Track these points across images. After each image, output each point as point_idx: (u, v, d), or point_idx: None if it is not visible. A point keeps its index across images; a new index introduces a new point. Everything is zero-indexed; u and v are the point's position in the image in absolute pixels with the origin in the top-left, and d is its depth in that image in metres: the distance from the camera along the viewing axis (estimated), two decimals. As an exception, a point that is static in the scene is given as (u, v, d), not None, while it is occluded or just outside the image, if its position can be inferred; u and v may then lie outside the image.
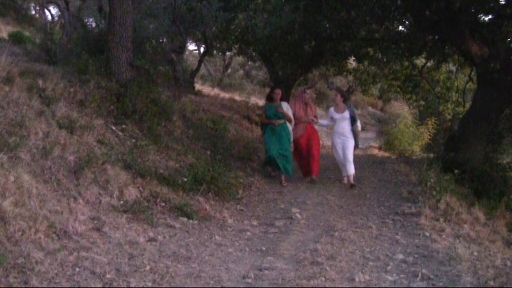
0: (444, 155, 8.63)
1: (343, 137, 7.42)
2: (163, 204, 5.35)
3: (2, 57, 5.71)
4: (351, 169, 7.31)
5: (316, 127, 7.86)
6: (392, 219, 5.59)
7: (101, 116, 6.28)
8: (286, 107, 7.58)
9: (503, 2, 8.40)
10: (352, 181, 7.27)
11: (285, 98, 14.64)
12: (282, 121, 7.49)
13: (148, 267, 3.60)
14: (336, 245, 4.49)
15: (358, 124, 7.59)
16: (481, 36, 8.65)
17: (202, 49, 17.81)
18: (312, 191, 7.15)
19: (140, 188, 5.43)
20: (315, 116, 7.88)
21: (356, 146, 7.56)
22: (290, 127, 7.66)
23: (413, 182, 7.58)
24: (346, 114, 7.40)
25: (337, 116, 7.45)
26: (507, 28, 8.80)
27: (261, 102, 16.39)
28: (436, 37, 9.66)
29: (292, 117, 7.64)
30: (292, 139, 7.64)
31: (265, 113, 7.68)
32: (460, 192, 6.56)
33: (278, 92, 7.71)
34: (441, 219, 5.36)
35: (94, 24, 10.50)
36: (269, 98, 7.77)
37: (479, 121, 8.37)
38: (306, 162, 7.63)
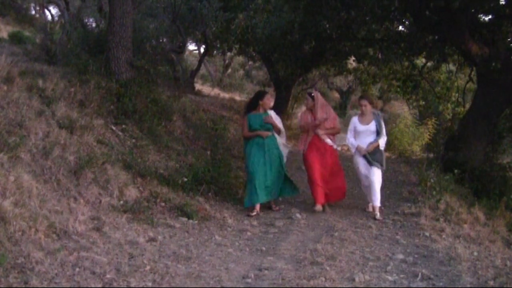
0: (444, 155, 8.63)
1: (368, 155, 5.85)
2: (163, 204, 5.36)
3: (2, 57, 5.70)
4: (376, 200, 5.84)
5: (329, 141, 6.11)
6: (392, 219, 5.60)
7: (101, 116, 6.28)
8: (274, 116, 6.22)
9: (503, 2, 8.40)
10: (377, 213, 5.79)
11: (285, 98, 14.71)
12: (270, 133, 6.07)
13: (148, 267, 3.60)
14: (336, 245, 4.49)
15: (381, 141, 5.87)
16: (481, 36, 8.65)
17: (202, 49, 17.81)
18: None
19: (140, 188, 5.43)
20: (333, 127, 6.14)
21: (381, 168, 5.90)
22: (280, 139, 6.20)
23: (413, 182, 7.58)
24: (372, 126, 5.90)
25: (361, 128, 5.93)
26: (507, 28, 8.80)
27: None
28: (436, 37, 9.66)
29: (281, 127, 6.23)
30: (286, 155, 6.26)
31: (249, 124, 6.11)
32: (460, 192, 6.57)
33: (270, 99, 6.29)
34: (441, 219, 5.37)
35: (94, 24, 10.50)
36: (253, 107, 6.20)
37: (479, 121, 8.37)
38: (321, 183, 5.99)
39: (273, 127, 6.12)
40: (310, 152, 6.08)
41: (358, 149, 5.92)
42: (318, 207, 5.93)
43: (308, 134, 6.16)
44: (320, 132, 6.04)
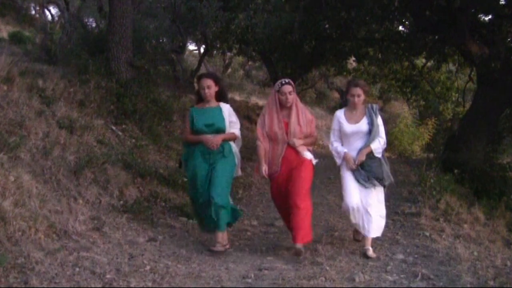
0: (444, 155, 8.64)
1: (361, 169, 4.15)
2: (163, 204, 5.36)
3: (2, 57, 5.71)
4: (374, 229, 4.14)
5: (308, 154, 4.26)
6: (392, 219, 5.59)
7: (101, 116, 6.28)
8: (228, 112, 4.34)
9: (503, 2, 8.42)
10: (368, 247, 4.14)
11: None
12: (220, 136, 4.22)
13: (148, 267, 3.60)
14: (336, 245, 4.49)
15: (374, 144, 4.13)
16: (481, 36, 8.67)
17: (202, 49, 17.81)
18: (312, 191, 7.12)
19: (140, 188, 5.43)
20: (310, 135, 4.30)
21: (383, 184, 4.20)
22: (235, 147, 4.41)
23: (413, 182, 7.57)
24: (364, 125, 4.16)
25: (348, 128, 4.18)
26: (507, 28, 8.82)
27: (261, 101, 16.31)
28: (436, 37, 9.68)
29: (237, 132, 4.36)
30: (237, 172, 4.48)
31: (192, 123, 4.28)
32: (460, 192, 6.57)
33: (209, 85, 4.25)
34: (441, 219, 5.36)
35: (94, 24, 10.51)
36: (199, 97, 4.40)
37: (479, 121, 8.39)
38: (287, 214, 4.27)
39: (226, 139, 4.28)
40: (277, 173, 4.25)
41: (346, 159, 4.19)
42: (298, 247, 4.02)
43: (275, 148, 4.25)
44: (297, 142, 4.19)
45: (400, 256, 4.15)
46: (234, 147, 4.39)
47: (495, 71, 8.09)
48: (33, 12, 20.81)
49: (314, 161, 4.28)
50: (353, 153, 4.17)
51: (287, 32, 10.95)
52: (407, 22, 10.72)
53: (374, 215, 4.11)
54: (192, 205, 4.56)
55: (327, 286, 3.41)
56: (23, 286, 2.99)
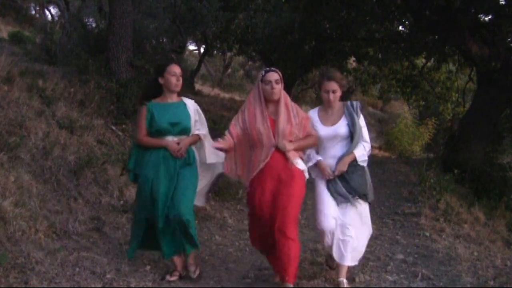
0: (444, 155, 8.65)
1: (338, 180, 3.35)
2: (163, 204, 5.35)
3: (2, 57, 5.71)
4: (350, 256, 3.30)
5: (300, 163, 3.32)
6: (392, 219, 5.60)
7: (101, 116, 6.28)
8: (193, 108, 3.56)
9: (503, 2, 8.42)
10: (342, 281, 3.31)
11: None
12: (186, 141, 3.44)
13: (148, 267, 3.60)
14: (336, 245, 4.48)
15: (358, 151, 3.37)
16: (481, 36, 8.67)
17: (202, 49, 17.82)
18: (312, 191, 7.13)
19: (140, 188, 5.42)
20: (308, 135, 3.36)
21: (366, 200, 3.43)
22: (207, 144, 3.54)
23: (413, 182, 7.58)
24: (342, 127, 3.37)
25: (323, 130, 3.39)
26: (507, 28, 8.81)
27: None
28: (436, 37, 9.68)
29: (202, 132, 3.54)
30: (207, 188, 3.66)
31: (150, 121, 3.44)
32: (460, 192, 6.58)
33: (178, 71, 3.46)
34: (441, 219, 5.37)
35: (94, 24, 10.51)
36: (155, 90, 3.53)
37: (479, 121, 8.39)
38: (270, 244, 3.26)
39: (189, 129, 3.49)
40: (259, 180, 3.25)
41: (320, 167, 3.39)
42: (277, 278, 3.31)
43: (257, 152, 3.28)
44: (288, 145, 3.23)
45: (400, 256, 4.15)
46: (201, 146, 3.56)
47: (495, 71, 8.09)
48: (33, 12, 20.81)
49: (307, 174, 3.35)
50: (330, 162, 3.36)
51: (287, 32, 10.95)
52: (407, 22, 10.72)
53: (351, 239, 3.27)
54: (136, 228, 3.50)
55: (327, 286, 3.41)
56: (23, 286, 2.99)
